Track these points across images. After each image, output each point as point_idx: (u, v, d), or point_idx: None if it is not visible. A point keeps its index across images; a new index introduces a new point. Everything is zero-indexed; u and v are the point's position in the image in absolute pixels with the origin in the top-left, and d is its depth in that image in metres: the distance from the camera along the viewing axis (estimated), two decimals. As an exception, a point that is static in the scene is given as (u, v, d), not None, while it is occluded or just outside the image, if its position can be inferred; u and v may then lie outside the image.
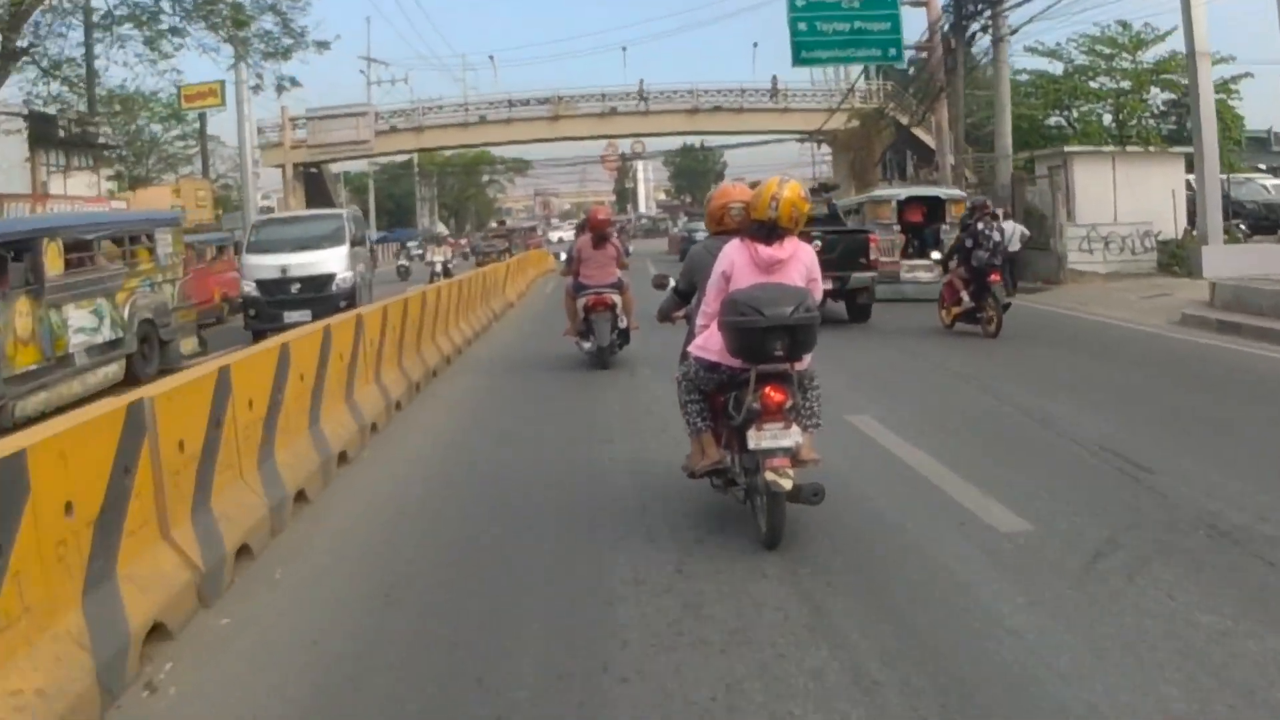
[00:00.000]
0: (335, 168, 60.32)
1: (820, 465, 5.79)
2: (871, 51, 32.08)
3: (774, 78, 52.66)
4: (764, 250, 5.89)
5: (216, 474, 5.65)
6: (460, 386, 12.53)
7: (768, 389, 5.60)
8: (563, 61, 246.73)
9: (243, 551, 5.63)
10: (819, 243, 16.14)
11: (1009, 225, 20.74)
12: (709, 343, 5.96)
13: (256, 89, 28.01)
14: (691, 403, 6.17)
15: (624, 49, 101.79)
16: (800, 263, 5.95)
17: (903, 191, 23.21)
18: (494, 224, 61.72)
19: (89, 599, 4.20)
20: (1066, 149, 27.59)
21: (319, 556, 6.00)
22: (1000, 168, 28.43)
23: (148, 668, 4.47)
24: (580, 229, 14.68)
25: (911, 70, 48.66)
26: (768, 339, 5.61)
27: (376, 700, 4.12)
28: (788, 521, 5.55)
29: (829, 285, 16.21)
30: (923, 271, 21.38)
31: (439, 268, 30.48)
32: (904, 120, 46.07)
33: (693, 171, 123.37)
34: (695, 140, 76.03)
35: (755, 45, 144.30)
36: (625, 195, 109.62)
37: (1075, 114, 41.76)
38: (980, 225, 15.07)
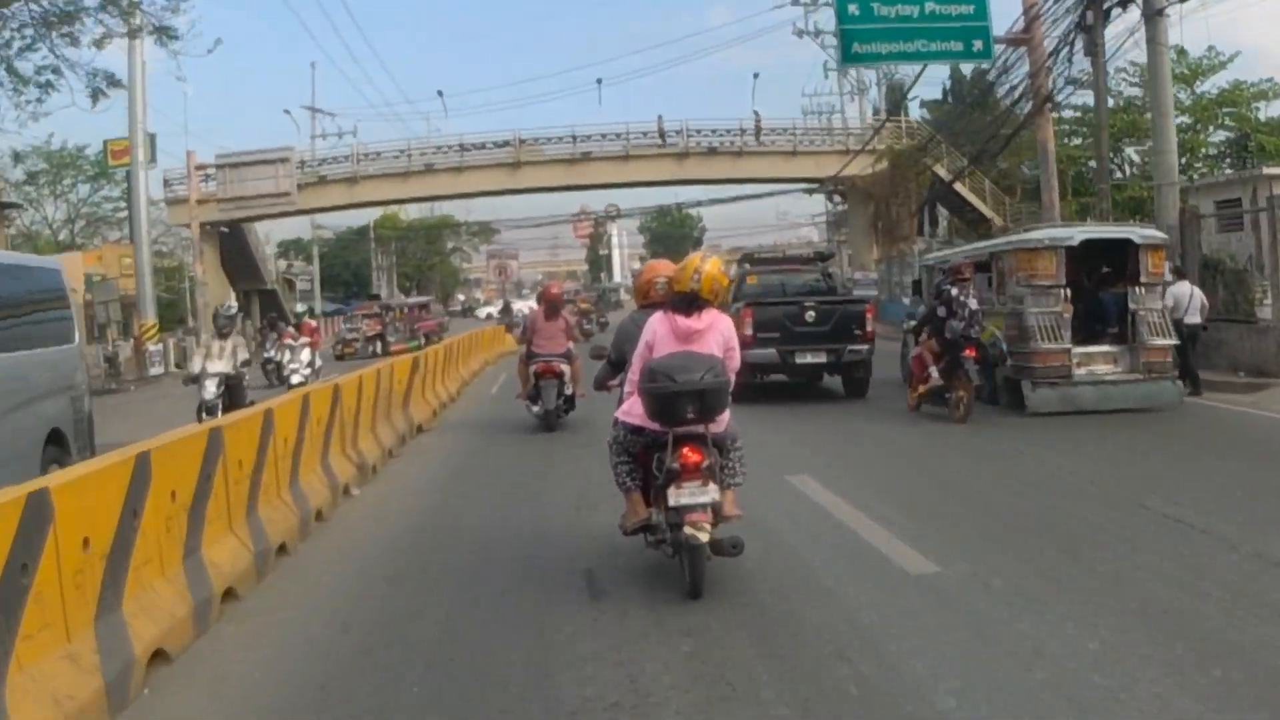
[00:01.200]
0: (271, 230, 57.42)
1: (743, 519, 6.45)
2: (949, 45, 23.63)
3: (755, 113, 47.36)
4: (682, 321, 6.41)
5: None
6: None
7: (685, 449, 6.12)
8: (528, 107, 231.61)
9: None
10: (813, 314, 16.37)
11: (1181, 288, 15.80)
12: (633, 408, 6.46)
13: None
14: (621, 464, 6.67)
15: (599, 81, 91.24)
16: (717, 332, 6.46)
17: (1076, 232, 15.23)
18: (369, 298, 56.62)
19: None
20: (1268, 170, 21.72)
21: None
22: (1163, 199, 20.10)
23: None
24: (537, 300, 15.79)
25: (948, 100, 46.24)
26: (679, 403, 6.10)
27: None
28: (728, 571, 6.35)
29: (822, 358, 16.36)
30: (1103, 363, 14.69)
31: (212, 392, 14.62)
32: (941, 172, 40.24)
33: (669, 237, 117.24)
34: (684, 189, 69.71)
35: (756, 77, 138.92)
36: (599, 263, 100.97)
37: (1127, 155, 38.02)
38: (955, 291, 13.50)
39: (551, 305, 14.64)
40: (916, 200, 39.51)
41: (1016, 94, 25.88)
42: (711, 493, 6.20)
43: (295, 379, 19.20)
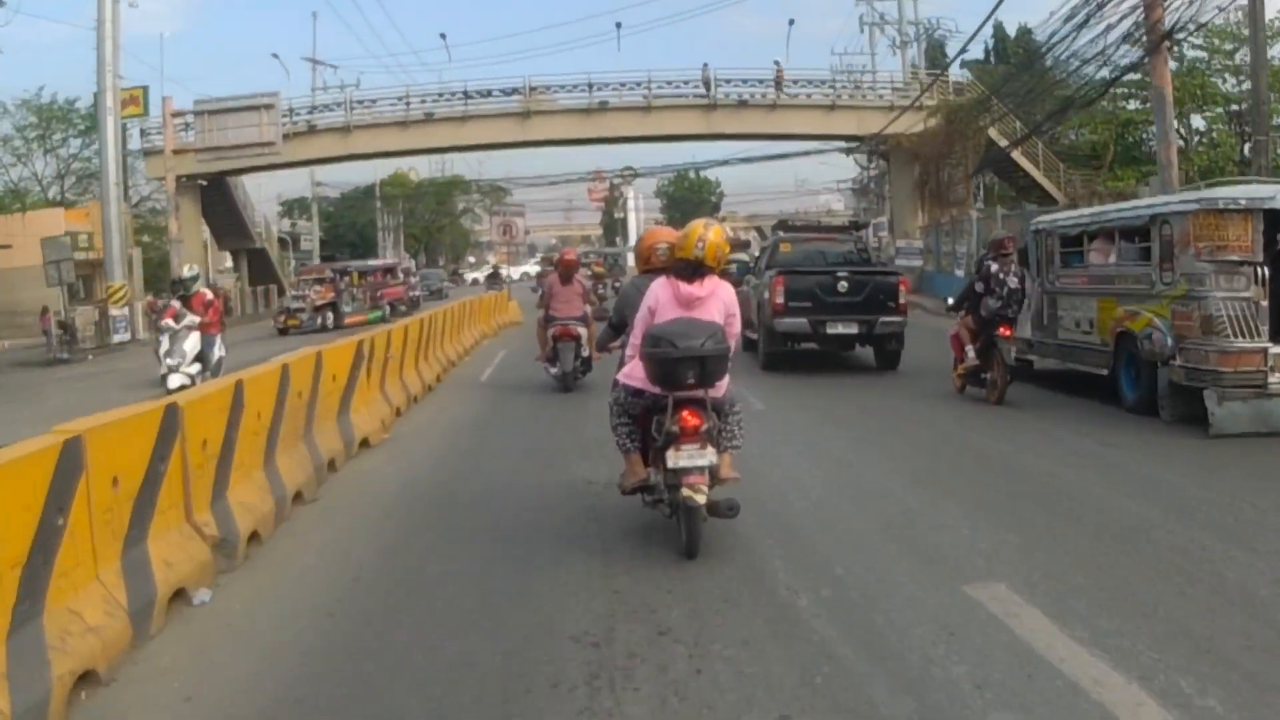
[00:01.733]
0: (264, 184, 54.89)
1: (740, 483, 6.63)
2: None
3: (776, 64, 43.14)
4: (685, 288, 6.60)
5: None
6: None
7: (684, 413, 6.31)
8: (540, 59, 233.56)
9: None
10: (845, 284, 16.27)
11: None
12: (634, 371, 6.70)
13: None
14: (621, 425, 6.90)
15: (618, 25, 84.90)
16: (719, 299, 6.68)
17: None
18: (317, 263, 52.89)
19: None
20: None
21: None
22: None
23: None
24: (554, 266, 16.41)
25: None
26: (680, 368, 6.30)
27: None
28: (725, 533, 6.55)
29: (853, 329, 16.30)
30: None
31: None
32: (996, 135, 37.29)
33: (687, 201, 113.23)
34: (708, 147, 57.54)
35: (791, 23, 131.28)
36: (614, 227, 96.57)
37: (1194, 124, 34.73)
38: (995, 267, 12.69)
39: (567, 270, 15.25)
40: (973, 161, 36.85)
41: (1116, 33, 22.94)
42: (709, 456, 6.36)
43: (173, 381, 14.05)
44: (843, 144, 44.23)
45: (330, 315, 32.89)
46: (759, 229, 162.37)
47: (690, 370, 6.33)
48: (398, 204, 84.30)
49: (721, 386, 6.56)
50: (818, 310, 16.19)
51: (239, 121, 37.90)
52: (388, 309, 34.88)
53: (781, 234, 20.07)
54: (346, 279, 36.08)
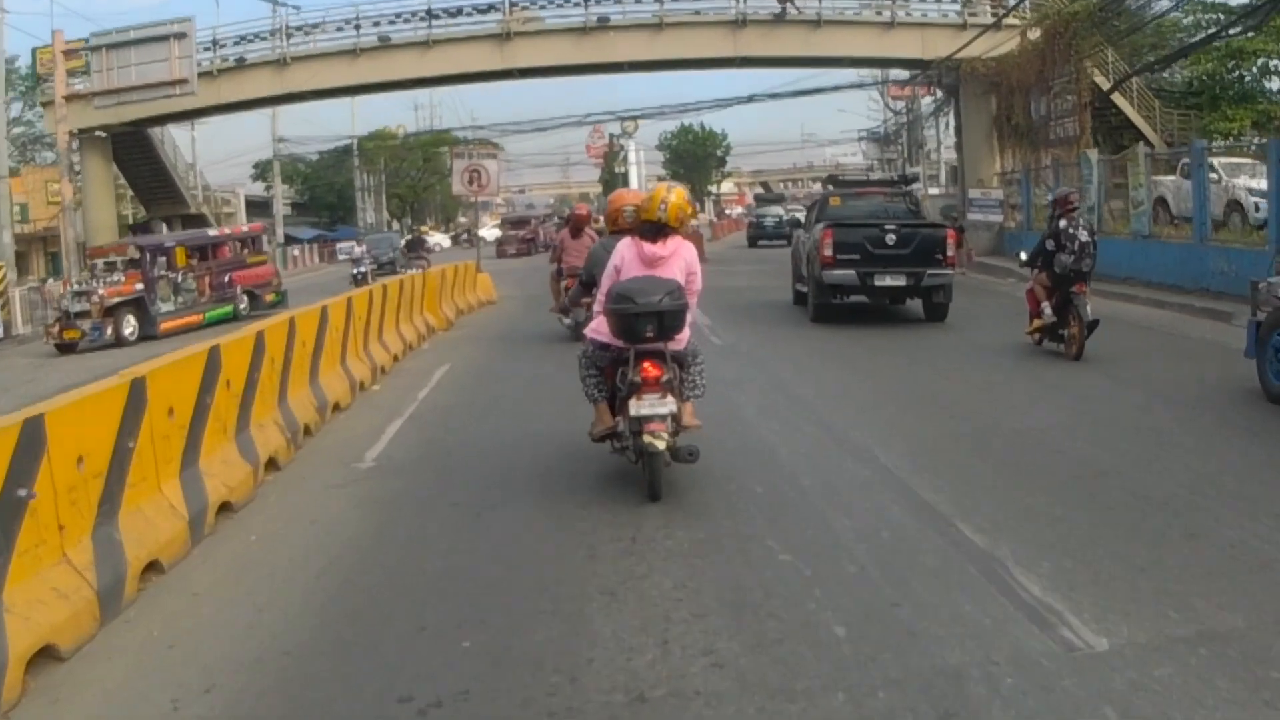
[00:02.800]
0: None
1: (701, 430, 7.41)
2: None
3: None
4: (648, 247, 7.33)
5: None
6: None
7: (645, 364, 6.97)
8: None
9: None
10: (893, 236, 16.57)
11: None
12: (601, 326, 7.40)
13: None
14: (589, 377, 7.57)
15: None
16: (680, 258, 7.42)
17: None
18: None
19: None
20: None
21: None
22: None
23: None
24: (565, 222, 18.52)
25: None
26: (639, 323, 6.97)
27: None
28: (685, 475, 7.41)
29: (901, 281, 16.68)
30: None
31: None
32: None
33: (690, 156, 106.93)
34: (735, 72, 51.97)
35: None
36: (615, 183, 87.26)
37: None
38: (1064, 223, 13.04)
39: (577, 225, 16.90)
40: (1087, 92, 29.89)
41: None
42: (669, 405, 6.91)
43: None
44: (903, 69, 34.73)
45: (132, 321, 22.24)
46: (765, 184, 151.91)
47: (649, 324, 6.95)
48: (379, 162, 74.99)
49: (681, 339, 7.29)
50: (866, 262, 16.58)
51: (144, 56, 31.76)
52: (244, 302, 25.60)
53: (831, 188, 21.14)
54: (164, 259, 24.01)
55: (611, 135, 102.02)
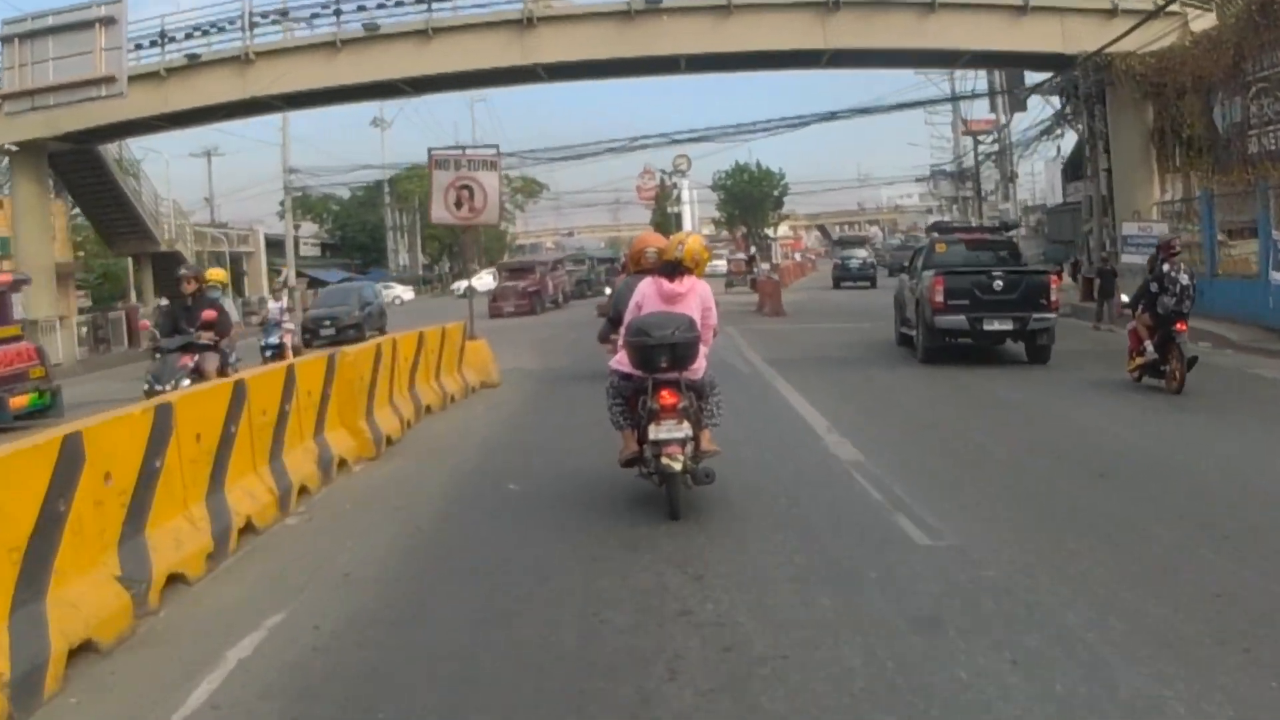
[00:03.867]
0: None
1: (720, 455, 8.20)
2: None
3: None
4: (667, 285, 8.15)
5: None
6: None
7: (663, 392, 7.71)
8: None
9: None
10: (1000, 283, 17.41)
11: None
12: (624, 358, 8.21)
13: None
14: (615, 406, 8.30)
15: None
16: (696, 295, 8.20)
17: None
18: None
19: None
20: None
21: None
22: None
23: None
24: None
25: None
26: (655, 354, 7.72)
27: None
28: (708, 498, 8.13)
29: (1008, 325, 17.59)
30: None
31: None
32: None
33: (747, 197, 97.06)
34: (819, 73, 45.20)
35: None
36: (667, 225, 78.32)
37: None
38: (1166, 267, 14.35)
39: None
40: None
41: None
42: (685, 430, 7.63)
43: None
44: (1037, 69, 26.82)
45: None
46: (822, 227, 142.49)
47: (664, 355, 7.71)
48: (413, 200, 68.58)
49: (697, 370, 8.06)
50: (975, 308, 17.57)
51: (65, 47, 25.11)
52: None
53: (936, 235, 21.61)
54: None
55: (662, 176, 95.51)
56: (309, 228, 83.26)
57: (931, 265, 18.79)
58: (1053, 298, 17.58)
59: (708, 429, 8.06)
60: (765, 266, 50.37)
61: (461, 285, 58.15)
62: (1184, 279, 13.87)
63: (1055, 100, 35.66)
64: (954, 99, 49.16)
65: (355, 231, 75.59)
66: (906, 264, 23.42)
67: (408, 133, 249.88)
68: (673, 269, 8.15)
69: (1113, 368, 15.79)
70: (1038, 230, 51.45)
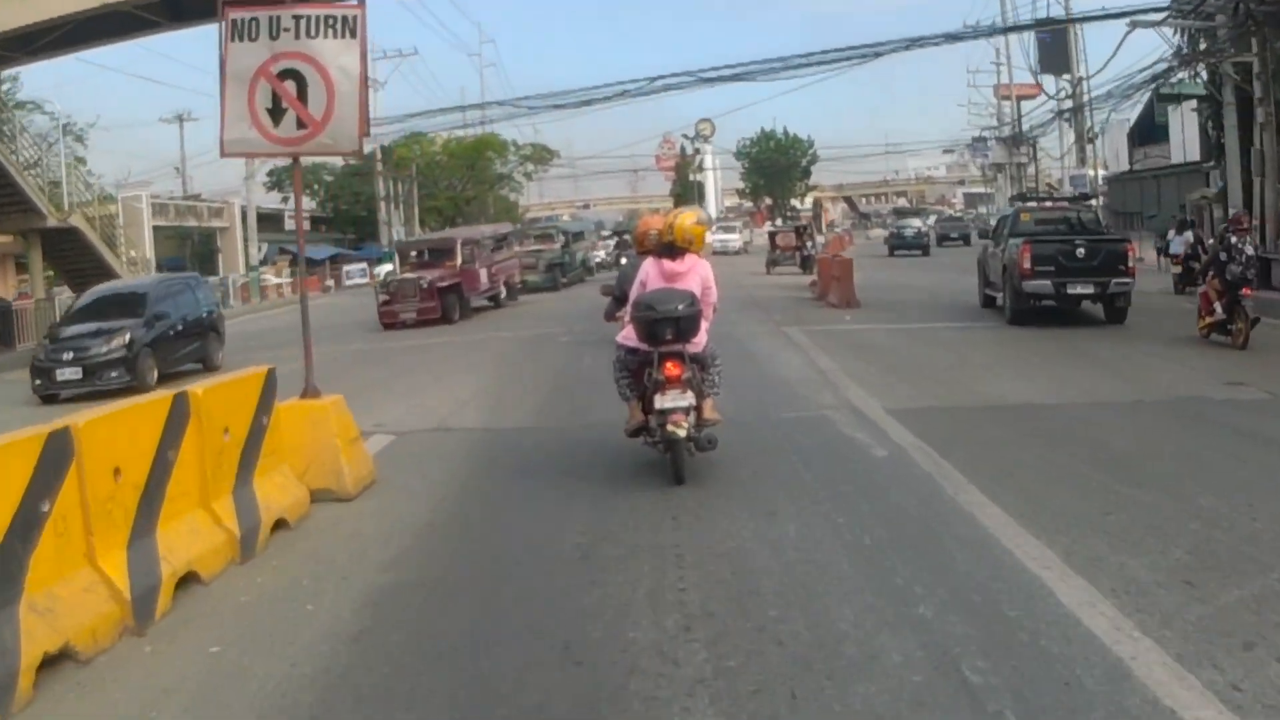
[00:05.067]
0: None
1: (721, 424, 8.78)
2: None
3: None
4: (668, 264, 8.80)
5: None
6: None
7: (667, 364, 8.31)
8: None
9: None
10: (1082, 250, 18.81)
11: None
12: (629, 334, 8.84)
13: None
14: (621, 379, 8.96)
15: None
16: (696, 274, 8.83)
17: None
18: None
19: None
20: None
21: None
22: None
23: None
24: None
25: None
26: (660, 327, 8.34)
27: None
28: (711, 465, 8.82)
29: (1090, 289, 18.87)
30: None
31: None
32: None
33: (773, 165, 71.60)
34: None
35: None
36: (688, 195, 72.20)
37: None
38: (1234, 239, 16.34)
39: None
40: None
41: None
42: (689, 399, 8.22)
43: None
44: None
45: None
46: (848, 199, 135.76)
47: (668, 328, 8.33)
48: (409, 169, 60.97)
49: (699, 343, 8.71)
50: (1059, 273, 18.99)
51: None
52: None
53: (1021, 204, 23.91)
54: None
55: (683, 144, 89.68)
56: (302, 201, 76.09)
57: (1018, 233, 20.59)
58: (1130, 264, 19.32)
59: (709, 398, 8.74)
60: (820, 240, 44.52)
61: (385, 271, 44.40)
62: (1249, 250, 16.07)
63: (1170, 34, 29.03)
64: (1036, 26, 41.32)
65: (349, 204, 69.11)
66: (991, 231, 26.32)
67: (406, 96, 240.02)
68: (670, 249, 8.86)
69: (1186, 326, 17.71)
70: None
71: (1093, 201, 28.69)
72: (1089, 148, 47.56)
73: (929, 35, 32.23)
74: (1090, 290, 18.94)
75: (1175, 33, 30.18)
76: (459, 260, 28.31)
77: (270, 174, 71.18)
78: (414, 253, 31.01)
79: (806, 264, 36.94)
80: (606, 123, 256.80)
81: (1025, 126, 64.66)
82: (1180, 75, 32.19)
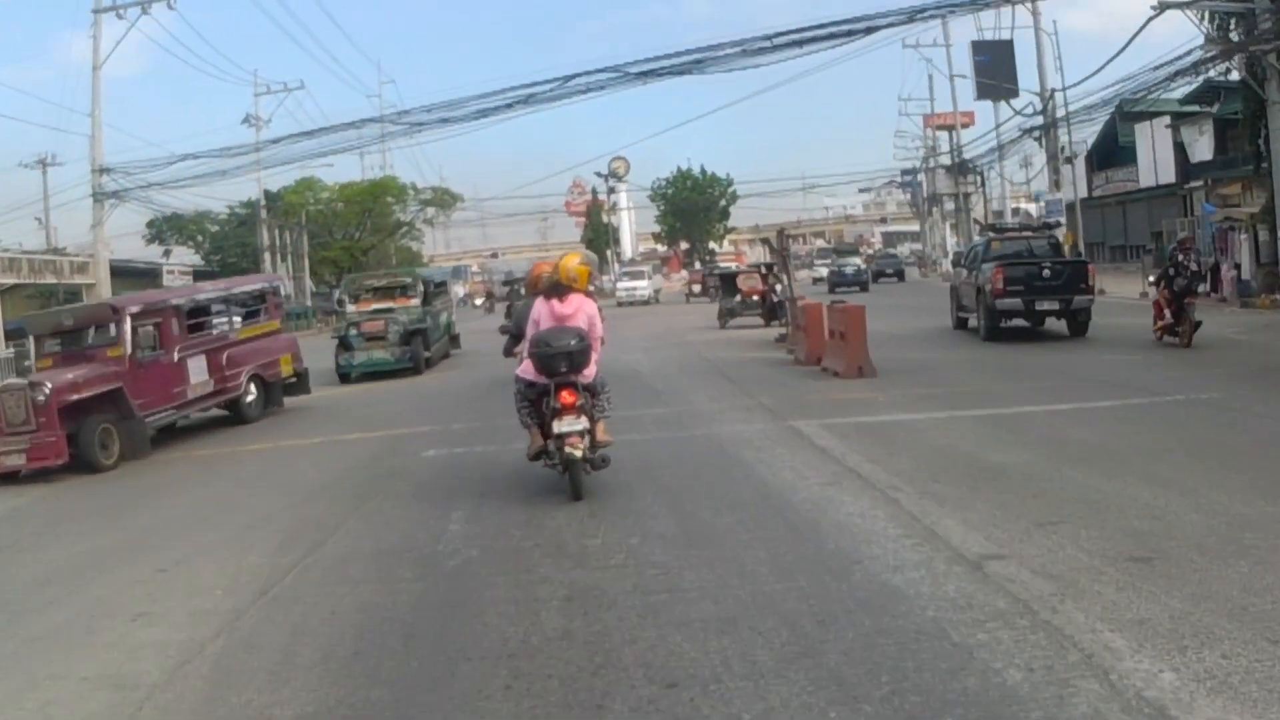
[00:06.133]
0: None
1: (614, 444, 9.95)
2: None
3: None
4: (556, 306, 9.84)
5: None
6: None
7: (563, 393, 9.44)
8: None
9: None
10: (1048, 271, 21.32)
11: None
12: (527, 368, 9.86)
13: None
14: (522, 408, 9.99)
15: None
16: (583, 313, 9.88)
17: None
18: None
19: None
20: None
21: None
22: None
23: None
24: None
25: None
26: (555, 361, 9.44)
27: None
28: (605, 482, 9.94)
29: (1055, 305, 21.20)
30: None
31: None
32: None
33: (691, 207, 64.13)
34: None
35: None
36: (601, 239, 65.30)
37: None
38: (1180, 257, 19.38)
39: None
40: None
41: None
42: (583, 423, 9.33)
43: None
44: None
45: None
46: (766, 240, 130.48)
47: (562, 362, 9.40)
48: (299, 217, 54.13)
49: (588, 374, 9.75)
50: (1029, 292, 21.47)
51: None
52: None
53: (991, 234, 26.00)
54: None
55: (594, 187, 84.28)
56: (182, 253, 69.45)
57: (990, 258, 23.17)
58: (1090, 282, 22.35)
59: (601, 421, 9.86)
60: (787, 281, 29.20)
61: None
62: (1193, 266, 19.39)
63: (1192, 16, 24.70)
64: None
65: (236, 256, 62.14)
66: (964, 260, 27.45)
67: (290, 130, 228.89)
68: (559, 289, 9.86)
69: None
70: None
71: (1058, 229, 32.02)
72: (1065, 169, 40.69)
73: (873, 15, 27.29)
74: (1056, 306, 21.75)
75: (1202, 19, 26.49)
76: (126, 346, 15.64)
77: (150, 225, 64.43)
78: (61, 330, 16.61)
79: (774, 312, 29.02)
80: (513, 164, 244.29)
81: (966, 156, 61.49)
82: (1211, 70, 29.50)
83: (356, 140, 42.82)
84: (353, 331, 24.50)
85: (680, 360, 22.54)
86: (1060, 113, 40.63)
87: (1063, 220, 39.85)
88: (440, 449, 13.08)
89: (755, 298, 31.70)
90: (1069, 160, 41.90)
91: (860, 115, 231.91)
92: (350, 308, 26.26)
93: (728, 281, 34.75)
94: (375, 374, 23.89)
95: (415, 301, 26.46)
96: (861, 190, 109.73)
